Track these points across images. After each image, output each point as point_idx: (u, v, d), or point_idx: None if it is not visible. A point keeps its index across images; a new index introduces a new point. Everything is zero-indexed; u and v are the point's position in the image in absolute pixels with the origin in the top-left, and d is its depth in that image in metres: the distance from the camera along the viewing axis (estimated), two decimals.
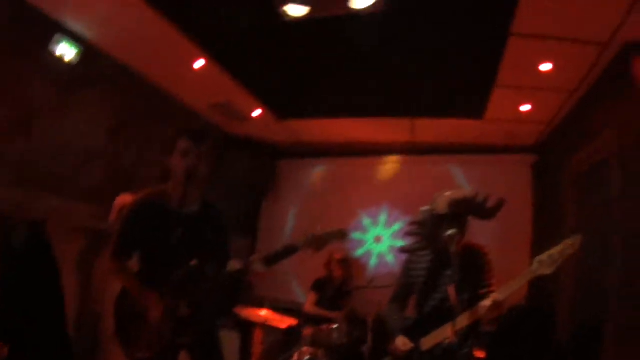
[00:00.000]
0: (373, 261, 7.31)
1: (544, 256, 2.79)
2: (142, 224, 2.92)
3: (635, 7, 3.54)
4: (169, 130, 3.03)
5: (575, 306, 5.27)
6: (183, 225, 2.89)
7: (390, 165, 7.57)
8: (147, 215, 2.93)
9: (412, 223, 3.33)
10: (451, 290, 3.06)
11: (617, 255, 4.18)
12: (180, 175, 2.88)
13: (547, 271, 2.75)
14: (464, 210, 3.17)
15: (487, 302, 2.87)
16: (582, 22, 3.89)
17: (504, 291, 2.89)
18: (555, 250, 2.77)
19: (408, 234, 3.39)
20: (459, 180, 7.05)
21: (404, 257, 3.64)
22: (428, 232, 3.24)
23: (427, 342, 3.15)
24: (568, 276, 5.38)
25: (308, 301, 6.19)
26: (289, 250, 2.97)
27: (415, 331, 3.26)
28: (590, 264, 4.74)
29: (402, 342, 3.26)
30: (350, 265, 6.50)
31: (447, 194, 3.22)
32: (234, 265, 2.94)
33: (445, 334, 3.02)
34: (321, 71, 5.21)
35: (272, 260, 2.94)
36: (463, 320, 2.95)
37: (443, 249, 3.08)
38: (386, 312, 3.63)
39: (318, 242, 3.02)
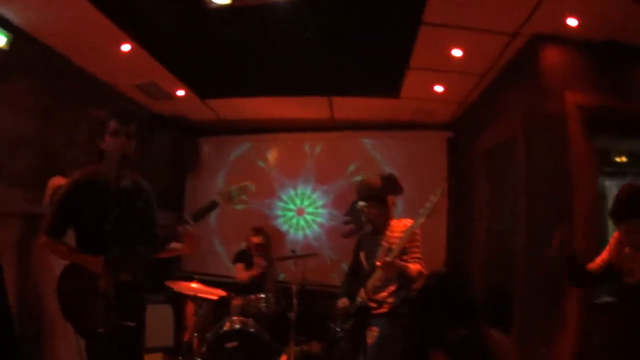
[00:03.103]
0: (294, 232, 7.62)
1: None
2: (79, 201, 3.05)
3: (543, 1, 3.86)
4: (97, 112, 3.15)
5: (487, 269, 5.81)
6: (119, 199, 3.05)
7: (310, 141, 7.84)
8: (84, 193, 3.06)
9: (345, 214, 3.98)
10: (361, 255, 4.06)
11: (523, 222, 4.66)
12: (113, 155, 3.07)
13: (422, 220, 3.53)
14: (366, 195, 3.93)
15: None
16: (492, 14, 4.17)
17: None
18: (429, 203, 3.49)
19: (345, 223, 3.97)
20: (377, 156, 7.42)
21: (324, 227, 4.39)
22: (357, 217, 3.95)
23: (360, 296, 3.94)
24: (481, 242, 5.91)
25: (238, 271, 6.37)
26: (210, 206, 3.32)
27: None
28: (500, 231, 5.30)
29: (340, 302, 4.13)
30: (267, 248, 6.67)
31: (357, 180, 3.93)
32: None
33: (361, 294, 3.90)
34: (242, 53, 5.33)
35: (197, 215, 3.27)
36: (372, 281, 3.80)
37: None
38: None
39: (229, 197, 3.43)
